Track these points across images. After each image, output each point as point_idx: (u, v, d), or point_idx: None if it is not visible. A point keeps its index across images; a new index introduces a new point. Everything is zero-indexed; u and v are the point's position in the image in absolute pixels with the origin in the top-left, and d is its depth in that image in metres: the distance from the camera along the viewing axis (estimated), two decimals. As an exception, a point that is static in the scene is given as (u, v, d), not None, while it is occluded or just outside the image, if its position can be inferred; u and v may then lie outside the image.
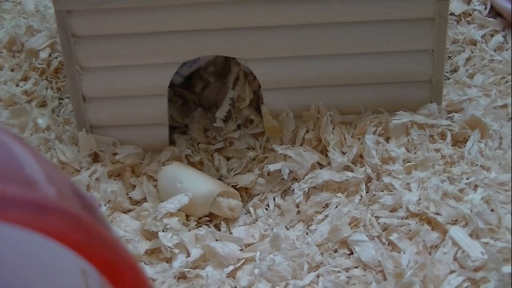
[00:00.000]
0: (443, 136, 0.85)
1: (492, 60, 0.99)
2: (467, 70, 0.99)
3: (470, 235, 0.72)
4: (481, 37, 1.04)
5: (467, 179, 0.79)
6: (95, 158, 0.92)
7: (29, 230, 0.37)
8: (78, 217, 0.38)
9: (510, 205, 0.75)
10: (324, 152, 0.87)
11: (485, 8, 1.08)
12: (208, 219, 0.85)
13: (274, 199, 0.86)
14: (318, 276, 0.73)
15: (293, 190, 0.84)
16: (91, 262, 0.40)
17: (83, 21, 0.86)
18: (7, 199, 0.35)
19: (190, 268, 0.78)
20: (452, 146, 0.84)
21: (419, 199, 0.78)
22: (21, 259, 0.38)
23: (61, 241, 0.38)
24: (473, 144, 0.83)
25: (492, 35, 1.05)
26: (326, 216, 0.80)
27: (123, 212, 0.86)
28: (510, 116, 0.88)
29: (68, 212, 0.38)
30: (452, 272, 0.69)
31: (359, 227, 0.77)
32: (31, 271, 0.39)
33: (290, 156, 0.86)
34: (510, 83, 0.94)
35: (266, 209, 0.86)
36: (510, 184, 0.78)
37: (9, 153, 0.39)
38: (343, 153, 0.86)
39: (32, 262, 0.39)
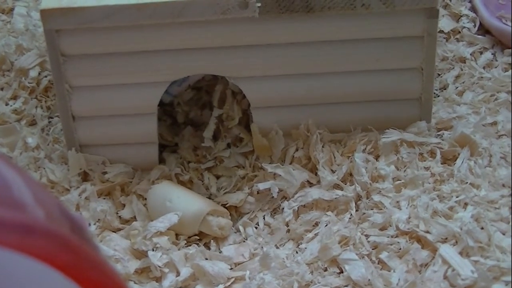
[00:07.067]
0: (432, 154, 0.86)
1: (482, 77, 0.99)
2: (457, 87, 0.99)
3: (460, 253, 0.72)
4: (470, 54, 1.04)
5: (457, 197, 0.79)
6: (85, 177, 0.92)
7: (17, 252, 0.36)
8: (66, 239, 0.38)
9: (499, 223, 0.75)
10: (313, 170, 0.87)
11: (474, 26, 1.08)
12: (198, 238, 0.85)
13: (263, 218, 0.86)
14: (308, 295, 0.73)
15: (283, 208, 0.84)
16: (79, 284, 0.40)
17: (72, 40, 0.86)
18: (-5, 221, 0.35)
19: (180, 287, 0.78)
20: (441, 164, 0.84)
21: (409, 217, 0.78)
22: (9, 282, 0.38)
23: (49, 263, 0.38)
24: (462, 162, 0.83)
25: (481, 53, 1.05)
26: (316, 234, 0.80)
27: (113, 231, 0.86)
28: (499, 133, 0.89)
29: (56, 234, 0.38)
30: (442, 290, 0.70)
31: (349, 246, 0.77)
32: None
33: (280, 175, 0.86)
34: (499, 100, 0.95)
35: (256, 227, 0.86)
36: (500, 201, 0.78)
37: (-3, 174, 0.39)
38: (333, 172, 0.85)
39: (21, 284, 0.39)
